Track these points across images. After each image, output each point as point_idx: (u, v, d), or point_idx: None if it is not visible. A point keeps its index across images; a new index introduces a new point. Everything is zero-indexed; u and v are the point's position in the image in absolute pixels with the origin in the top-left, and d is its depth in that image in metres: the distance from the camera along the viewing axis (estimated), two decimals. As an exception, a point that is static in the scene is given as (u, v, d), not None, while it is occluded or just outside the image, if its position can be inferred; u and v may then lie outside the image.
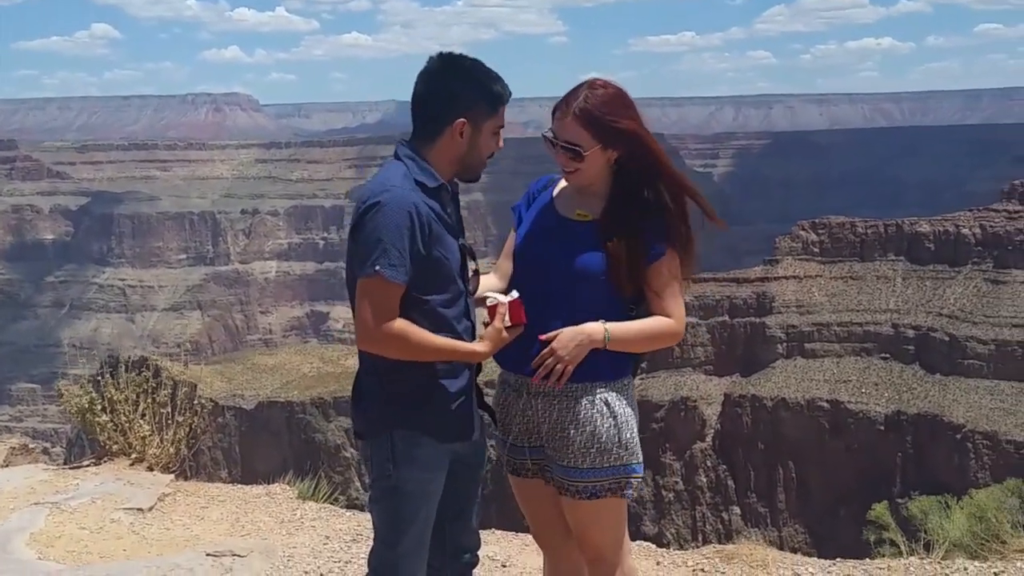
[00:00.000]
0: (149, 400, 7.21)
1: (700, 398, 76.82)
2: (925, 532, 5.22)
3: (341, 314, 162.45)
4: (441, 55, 3.24)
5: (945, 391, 74.18)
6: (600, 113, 3.23)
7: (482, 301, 3.26)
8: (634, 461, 3.31)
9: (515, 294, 3.21)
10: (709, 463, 76.39)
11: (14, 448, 8.71)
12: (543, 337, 3.17)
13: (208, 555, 5.25)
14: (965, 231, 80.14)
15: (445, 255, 3.15)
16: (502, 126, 3.26)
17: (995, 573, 4.81)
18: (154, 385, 7.27)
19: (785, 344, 79.30)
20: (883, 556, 5.15)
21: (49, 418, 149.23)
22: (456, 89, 3.17)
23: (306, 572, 5.09)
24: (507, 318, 3.16)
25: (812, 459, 73.80)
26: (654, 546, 5.23)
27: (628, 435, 3.28)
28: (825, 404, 75.29)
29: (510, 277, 3.44)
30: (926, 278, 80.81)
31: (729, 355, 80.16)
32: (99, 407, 7.07)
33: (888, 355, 77.91)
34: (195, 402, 7.23)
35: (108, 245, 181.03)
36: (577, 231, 3.30)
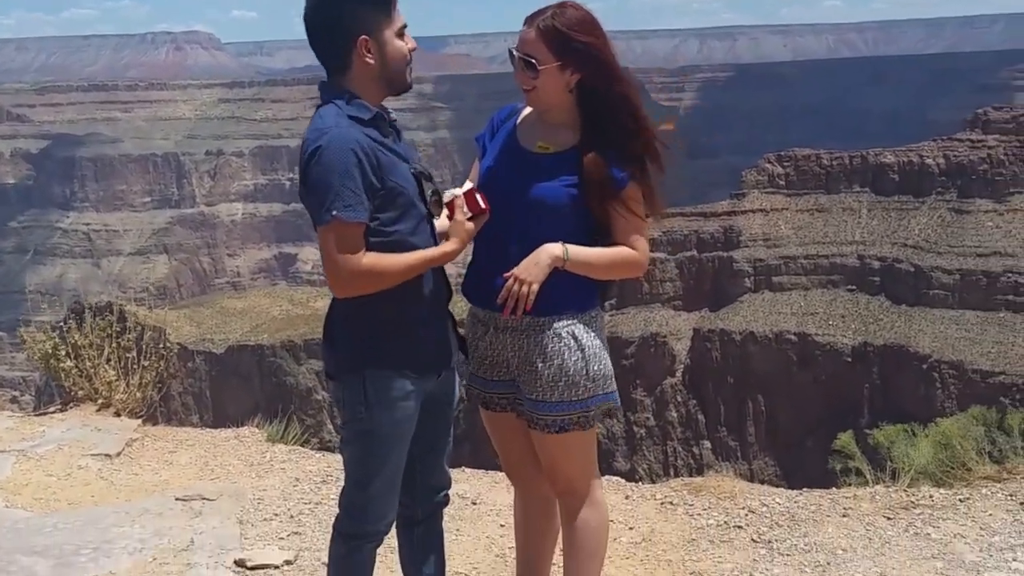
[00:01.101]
0: (114, 345, 7.13)
1: (670, 333, 77.46)
2: (891, 460, 5.28)
3: (310, 255, 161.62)
4: None
5: (911, 322, 75.22)
6: (563, 29, 3.15)
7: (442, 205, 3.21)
8: (606, 390, 3.29)
9: (468, 185, 3.15)
10: (679, 398, 77.28)
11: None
12: (506, 275, 3.13)
13: (177, 499, 5.22)
14: (929, 161, 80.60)
15: (400, 183, 3.05)
16: (405, 25, 3.11)
17: (960, 500, 4.88)
18: (119, 330, 7.19)
19: (753, 278, 79.91)
20: (849, 485, 5.22)
21: (17, 366, 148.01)
22: (340, 10, 3.01)
23: (276, 514, 5.07)
24: (466, 209, 3.11)
25: (780, 392, 74.86)
26: (624, 480, 5.26)
27: (596, 367, 3.26)
28: (793, 337, 76.16)
29: None
30: (891, 209, 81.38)
31: (697, 290, 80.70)
32: (63, 353, 6.98)
33: (854, 287, 78.72)
34: (161, 346, 7.13)
35: (71, 189, 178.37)
36: (539, 163, 3.24)
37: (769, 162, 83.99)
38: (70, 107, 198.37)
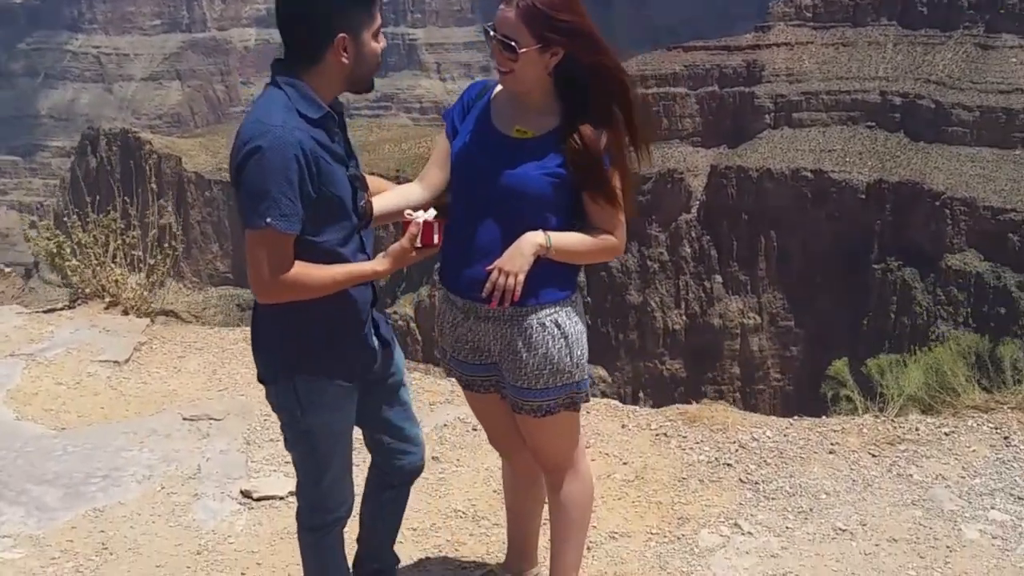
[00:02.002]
0: (119, 241, 7.17)
1: (687, 170, 77.03)
2: (882, 388, 5.35)
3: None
4: None
5: (927, 159, 74.47)
6: (544, 8, 2.99)
7: (400, 215, 3.14)
8: (584, 378, 3.33)
9: (432, 213, 3.04)
10: (693, 234, 77.59)
11: (-11, 274, 8.69)
12: (489, 268, 3.11)
13: (184, 419, 5.37)
14: (959, -7, 77.91)
15: (335, 192, 2.93)
16: (381, 25, 2.96)
17: (945, 433, 4.98)
18: (123, 226, 7.21)
19: (773, 114, 78.79)
20: (839, 414, 5.32)
21: (33, 191, 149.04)
22: (325, 5, 2.85)
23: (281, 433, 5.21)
24: (419, 239, 3.00)
25: (793, 228, 75.01)
26: (619, 404, 5.36)
27: (579, 352, 3.28)
28: (809, 174, 75.69)
29: (438, 188, 3.30)
30: (917, 43, 79.30)
31: (717, 126, 79.79)
32: (68, 250, 7.03)
33: (874, 123, 77.64)
34: (166, 244, 7.17)
35: (79, 9, 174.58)
36: (517, 148, 3.14)
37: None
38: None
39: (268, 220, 2.80)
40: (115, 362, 6.21)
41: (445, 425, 5.23)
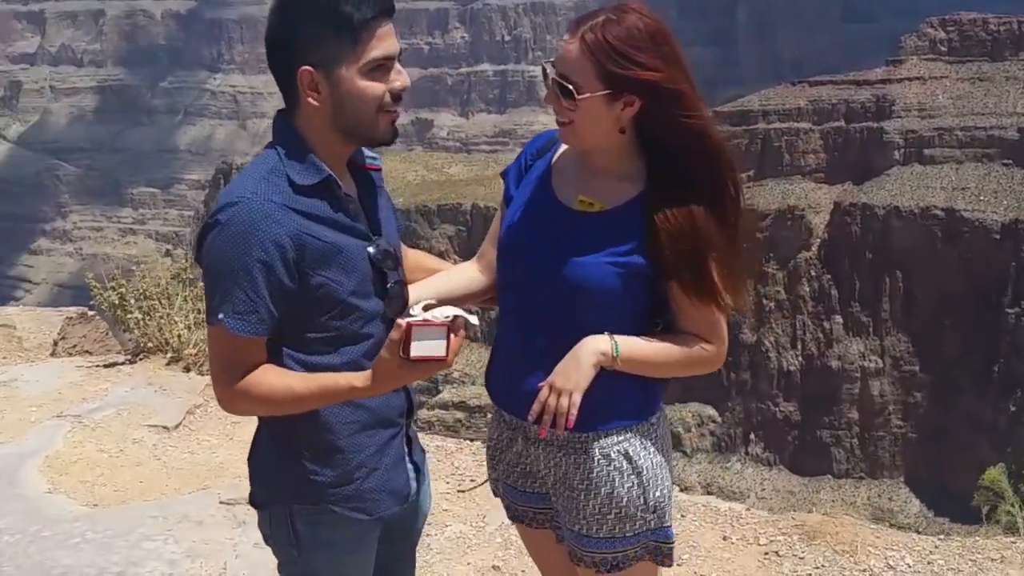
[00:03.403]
0: (187, 293, 6.69)
1: (808, 207, 74.67)
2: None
3: (445, 121, 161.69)
4: None
5: (1069, 198, 70.72)
6: (617, 44, 2.22)
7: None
8: (666, 524, 2.50)
9: (448, 311, 2.16)
10: (813, 272, 75.08)
11: (71, 318, 8.36)
12: (540, 385, 2.33)
13: (221, 503, 4.76)
14: (1106, 27, 74.06)
15: (332, 278, 2.21)
16: (391, 56, 2.20)
17: None
18: (191, 277, 6.74)
19: (903, 150, 76.01)
20: (995, 535, 4.34)
21: (170, 222, 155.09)
22: (286, 27, 2.17)
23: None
24: (400, 348, 2.13)
25: (921, 268, 71.97)
26: (720, 507, 4.50)
27: (657, 493, 2.45)
28: (940, 212, 72.59)
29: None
30: (1058, 79, 75.65)
31: (842, 162, 77.31)
32: (132, 301, 6.58)
33: (1011, 161, 74.11)
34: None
35: (218, 50, 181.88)
36: (580, 225, 2.36)
37: (931, 26, 78.55)
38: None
39: (219, 316, 2.14)
40: (164, 427, 5.67)
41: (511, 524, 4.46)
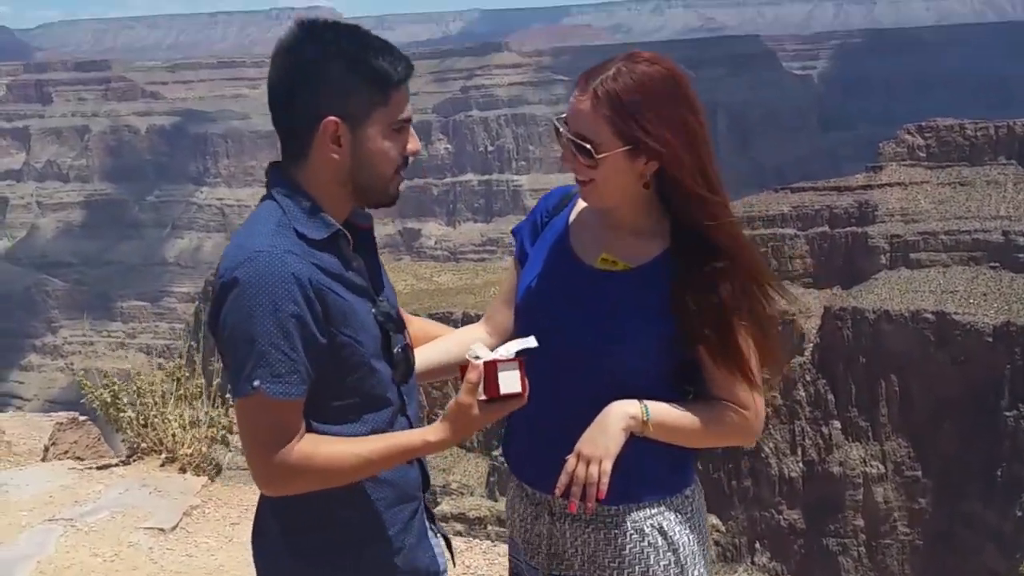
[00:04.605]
0: (182, 391, 6.51)
1: (799, 312, 74.90)
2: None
3: (433, 231, 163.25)
4: (301, 24, 2.08)
5: (1058, 301, 71.19)
6: (632, 99, 2.13)
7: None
8: None
9: (509, 348, 2.09)
10: (808, 377, 74.92)
11: (61, 424, 8.14)
12: (566, 457, 2.18)
13: (221, 607, 4.51)
14: (1081, 132, 75.81)
15: (355, 337, 2.08)
16: (408, 120, 2.14)
17: None
18: (186, 374, 6.57)
19: (889, 254, 76.86)
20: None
21: (161, 335, 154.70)
22: (315, 74, 2.03)
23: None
24: (481, 389, 2.06)
25: (916, 372, 71.90)
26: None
27: (696, 572, 2.28)
28: (930, 316, 72.91)
29: (508, 332, 2.42)
30: (1039, 182, 77.00)
31: (829, 267, 78.09)
32: (125, 400, 6.39)
33: (998, 264, 74.91)
34: (228, 394, 6.47)
35: (204, 165, 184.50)
36: (603, 284, 2.25)
37: (909, 133, 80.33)
38: (200, 84, 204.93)
39: (255, 383, 1.96)
40: (160, 530, 5.43)
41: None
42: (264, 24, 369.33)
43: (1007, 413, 69.09)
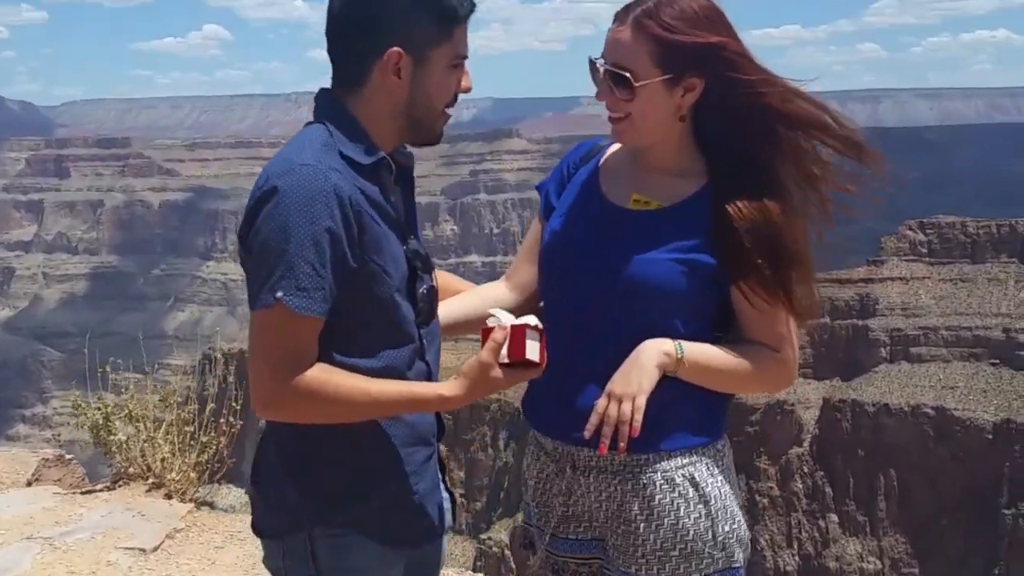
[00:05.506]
0: (175, 416, 6.38)
1: (798, 402, 74.55)
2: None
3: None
4: None
5: (1059, 400, 70.96)
6: (672, 26, 2.06)
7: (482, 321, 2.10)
8: (735, 564, 2.17)
9: (530, 319, 2.02)
10: (806, 469, 74.19)
11: (47, 459, 7.97)
12: (596, 403, 2.07)
13: (200, 622, 4.34)
14: (1084, 232, 76.55)
15: (384, 267, 2.00)
16: (465, 56, 2.08)
17: None
18: (180, 399, 6.45)
19: (889, 348, 76.83)
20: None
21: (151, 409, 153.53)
22: (381, 4, 1.98)
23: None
24: (504, 351, 1.98)
25: (915, 467, 71.29)
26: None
27: (727, 526, 2.14)
28: (930, 411, 72.57)
29: (532, 289, 2.33)
30: (1041, 281, 77.44)
31: (829, 358, 77.87)
32: (117, 423, 6.26)
33: (998, 361, 74.80)
34: (222, 420, 6.33)
35: (212, 240, 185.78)
36: (633, 225, 2.15)
37: (911, 229, 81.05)
38: (216, 162, 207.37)
39: (279, 295, 1.87)
40: (141, 550, 5.25)
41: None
42: (284, 107, 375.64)
43: (1006, 511, 68.29)
